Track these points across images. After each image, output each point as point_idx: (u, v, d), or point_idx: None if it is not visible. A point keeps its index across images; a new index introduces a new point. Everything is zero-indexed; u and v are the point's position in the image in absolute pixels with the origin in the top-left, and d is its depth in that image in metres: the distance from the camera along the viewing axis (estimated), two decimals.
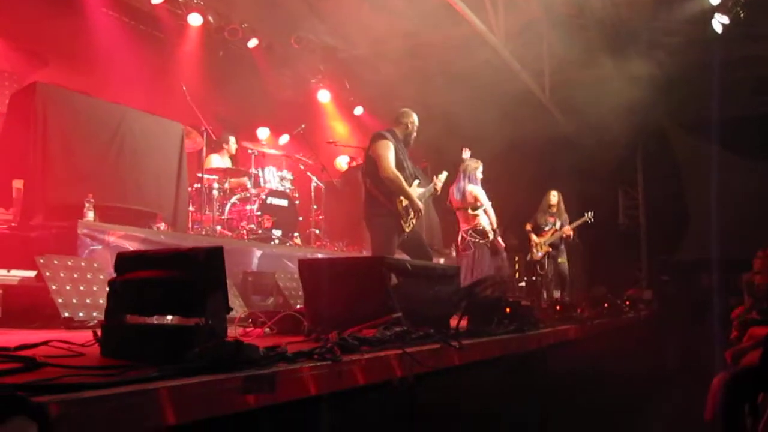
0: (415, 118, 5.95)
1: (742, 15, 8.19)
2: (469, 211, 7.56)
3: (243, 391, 1.89)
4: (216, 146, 8.35)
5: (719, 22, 8.31)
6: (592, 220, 9.38)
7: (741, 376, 1.56)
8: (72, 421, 1.41)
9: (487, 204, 7.59)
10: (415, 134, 5.94)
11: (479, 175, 7.71)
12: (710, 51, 9.53)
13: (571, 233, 9.38)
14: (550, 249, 9.37)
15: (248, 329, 3.59)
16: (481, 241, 7.46)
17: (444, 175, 6.55)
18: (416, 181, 5.83)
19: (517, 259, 10.49)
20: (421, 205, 5.70)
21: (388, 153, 5.53)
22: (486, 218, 7.57)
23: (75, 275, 4.40)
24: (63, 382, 1.54)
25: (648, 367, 8.20)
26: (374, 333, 2.94)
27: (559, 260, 9.35)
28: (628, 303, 9.15)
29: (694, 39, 9.49)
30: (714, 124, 10.27)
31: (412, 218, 5.69)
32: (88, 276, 4.50)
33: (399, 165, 5.56)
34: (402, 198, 5.56)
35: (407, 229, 5.65)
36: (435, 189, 6.27)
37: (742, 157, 11.04)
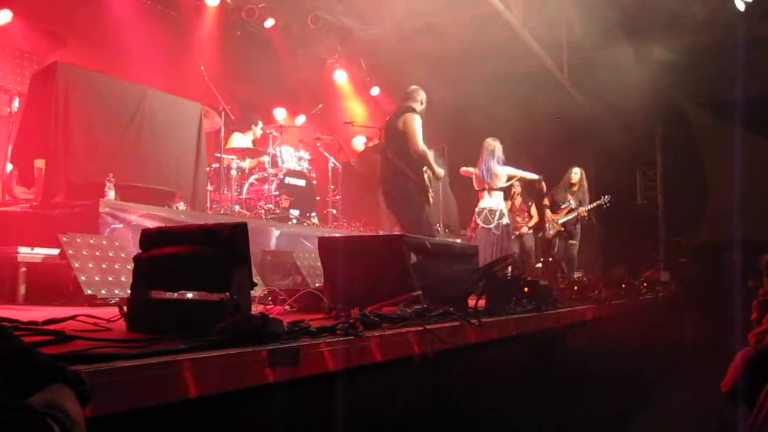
0: (424, 95, 6.17)
1: None
2: (498, 189, 7.77)
3: (268, 365, 1.93)
4: (242, 126, 8.40)
5: (742, 0, 8.18)
6: (608, 204, 9.28)
7: (765, 353, 1.56)
8: (105, 390, 1.44)
9: (520, 174, 8.08)
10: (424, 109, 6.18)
11: (498, 153, 7.88)
12: (732, 30, 9.38)
13: (586, 215, 9.30)
14: (563, 228, 9.30)
15: (269, 307, 3.63)
16: (495, 222, 7.58)
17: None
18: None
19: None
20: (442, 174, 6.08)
21: (419, 127, 5.83)
22: (501, 200, 7.81)
23: (97, 253, 4.46)
24: (96, 353, 1.58)
25: (666, 348, 8.20)
26: (395, 310, 2.96)
27: (570, 242, 9.31)
28: (645, 284, 9.12)
29: (715, 17, 9.34)
30: (736, 103, 10.12)
31: (431, 193, 6.03)
32: (110, 254, 4.56)
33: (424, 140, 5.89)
34: (427, 172, 5.88)
35: (432, 201, 6.02)
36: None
37: (762, 137, 10.90)
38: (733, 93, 9.99)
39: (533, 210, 9.85)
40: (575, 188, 9.38)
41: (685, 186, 12.23)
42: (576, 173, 9.33)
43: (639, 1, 9.43)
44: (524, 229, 9.71)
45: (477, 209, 7.80)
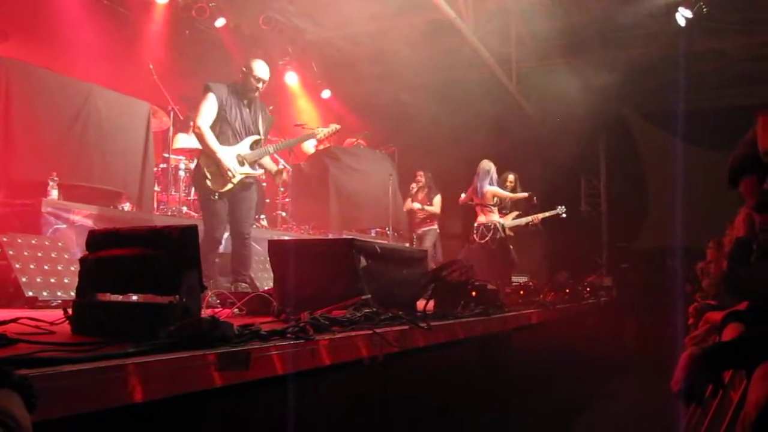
0: (254, 67, 5.42)
1: (704, 9, 8.38)
2: (490, 207, 8.47)
3: (218, 368, 1.92)
4: (184, 126, 8.26)
5: (683, 15, 8.49)
6: (564, 215, 9.38)
7: (710, 352, 1.63)
8: (52, 394, 1.42)
9: (510, 194, 8.73)
10: (255, 85, 5.43)
11: (495, 175, 8.56)
12: (673, 44, 9.73)
13: (539, 222, 9.41)
14: (511, 234, 9.37)
15: (217, 310, 3.60)
16: (490, 236, 8.33)
17: (331, 128, 6.41)
18: (252, 138, 5.46)
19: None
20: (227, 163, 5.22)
21: (207, 104, 5.21)
22: (497, 215, 8.56)
23: (39, 254, 4.35)
24: (41, 356, 1.55)
25: (608, 351, 8.43)
26: (344, 314, 2.98)
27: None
28: (588, 289, 9.33)
29: (658, 32, 9.67)
30: (676, 115, 10.49)
31: (230, 177, 5.26)
32: (53, 255, 4.45)
33: (221, 119, 5.25)
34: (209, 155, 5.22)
35: (219, 189, 5.23)
36: (271, 152, 5.74)
37: (701, 148, 11.30)
38: (673, 105, 10.35)
39: (436, 203, 9.81)
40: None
41: (627, 194, 12.58)
42: (511, 180, 9.42)
43: (585, 14, 9.69)
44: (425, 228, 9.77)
45: (474, 225, 8.57)
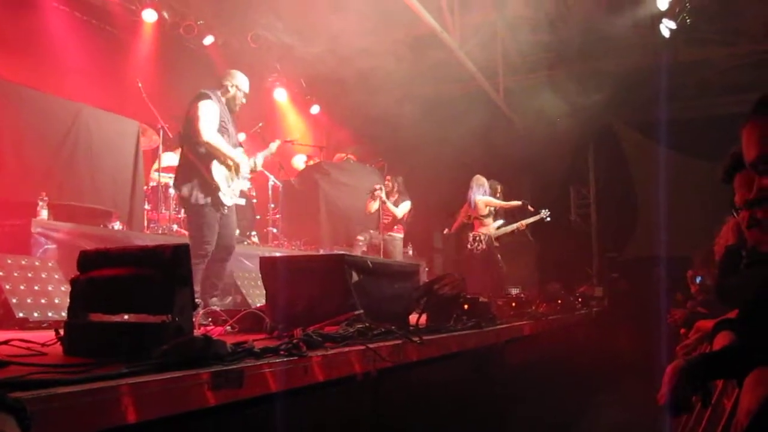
0: (240, 81, 5.39)
1: (688, 21, 8.48)
2: (482, 218, 8.71)
3: (211, 387, 1.92)
4: (174, 144, 8.26)
5: (667, 27, 8.59)
6: (548, 218, 9.37)
7: (695, 363, 1.65)
8: (45, 417, 1.42)
9: (502, 202, 8.88)
10: (241, 100, 5.42)
11: (488, 188, 8.81)
12: (658, 54, 9.84)
13: (524, 227, 9.39)
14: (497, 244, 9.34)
15: (209, 328, 3.59)
16: (483, 246, 8.57)
17: (275, 144, 6.23)
18: (239, 150, 5.40)
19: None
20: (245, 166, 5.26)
21: (208, 113, 5.06)
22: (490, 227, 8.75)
23: (29, 274, 4.33)
24: (33, 378, 1.55)
25: (600, 361, 8.44)
26: (337, 329, 2.98)
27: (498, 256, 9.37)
28: (580, 299, 9.37)
29: (643, 43, 9.78)
30: (663, 125, 10.59)
31: (232, 189, 5.23)
32: (43, 275, 4.43)
33: (222, 128, 5.16)
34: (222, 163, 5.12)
35: (227, 202, 5.18)
36: (255, 164, 5.64)
37: (689, 157, 11.40)
38: (660, 114, 10.45)
39: (401, 208, 9.08)
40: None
41: (616, 203, 12.65)
42: (499, 190, 9.44)
43: (571, 27, 9.78)
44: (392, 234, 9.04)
45: (470, 236, 8.74)
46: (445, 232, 9.37)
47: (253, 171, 5.69)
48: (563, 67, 10.85)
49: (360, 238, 8.67)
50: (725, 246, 3.00)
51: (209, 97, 5.13)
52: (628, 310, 10.50)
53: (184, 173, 5.23)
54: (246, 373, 2.04)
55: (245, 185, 5.52)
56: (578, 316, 8.54)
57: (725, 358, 1.67)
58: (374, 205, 8.73)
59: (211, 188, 5.07)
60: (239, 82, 5.38)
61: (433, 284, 4.38)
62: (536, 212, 9.29)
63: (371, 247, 8.74)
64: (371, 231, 8.67)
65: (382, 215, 8.75)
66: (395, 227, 8.94)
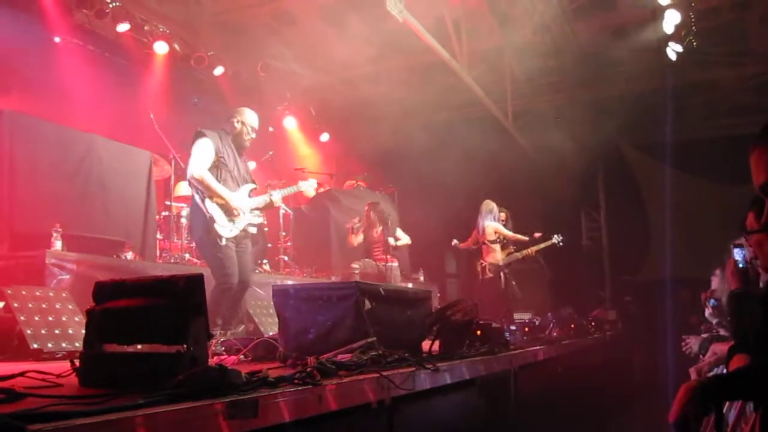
0: (248, 117, 5.40)
1: (694, 44, 8.51)
2: (490, 244, 8.71)
3: (227, 417, 1.92)
4: (186, 174, 8.31)
5: (673, 50, 8.62)
6: (561, 243, 9.26)
7: (708, 384, 1.64)
8: None
9: (510, 233, 8.86)
10: (250, 135, 5.41)
11: (497, 213, 8.86)
12: (665, 77, 9.87)
13: (533, 254, 9.30)
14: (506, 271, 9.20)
15: (222, 357, 3.60)
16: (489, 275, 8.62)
17: (306, 184, 6.13)
18: (249, 186, 5.37)
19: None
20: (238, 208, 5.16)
21: (202, 151, 5.07)
22: (499, 254, 8.77)
23: (43, 305, 4.35)
24: (51, 410, 1.56)
25: (615, 385, 8.35)
26: (350, 357, 2.98)
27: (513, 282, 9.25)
28: (593, 324, 9.29)
29: (650, 66, 9.82)
30: (671, 147, 10.60)
31: (237, 218, 5.18)
32: (57, 306, 4.45)
33: (220, 164, 5.13)
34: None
35: (225, 234, 5.08)
36: (271, 201, 5.56)
37: (698, 178, 11.38)
38: (669, 136, 10.46)
39: (405, 237, 8.79)
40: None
41: (628, 226, 12.60)
42: (503, 218, 9.34)
43: (578, 51, 9.85)
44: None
45: (479, 263, 8.82)
46: (453, 243, 9.28)
47: (269, 206, 5.64)
48: (571, 91, 10.90)
49: (355, 266, 8.54)
50: (729, 292, 2.97)
51: (204, 135, 5.15)
52: (642, 334, 10.40)
53: (191, 214, 5.39)
54: (261, 402, 2.04)
55: (257, 220, 5.49)
56: (592, 341, 8.47)
57: (739, 380, 1.66)
58: (357, 239, 8.55)
59: (206, 220, 5.05)
60: (246, 118, 5.39)
61: (445, 310, 4.37)
62: (548, 238, 9.22)
63: (365, 275, 8.44)
64: (365, 260, 8.58)
65: (385, 246, 8.55)
66: (388, 257, 8.65)
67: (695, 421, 1.55)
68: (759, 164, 1.35)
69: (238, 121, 5.35)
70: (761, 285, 2.78)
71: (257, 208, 5.45)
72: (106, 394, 1.88)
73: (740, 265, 2.87)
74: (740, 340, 2.89)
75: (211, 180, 5.05)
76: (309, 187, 6.21)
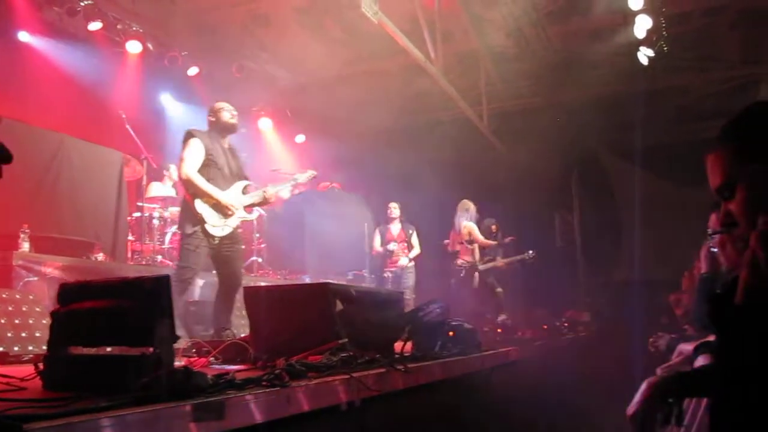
0: (218, 105, 5.37)
1: (665, 48, 8.63)
2: (465, 244, 8.78)
3: (193, 419, 1.90)
4: (158, 174, 8.24)
5: (645, 54, 8.73)
6: (532, 259, 9.32)
7: (669, 380, 1.66)
8: None
9: (480, 237, 8.85)
10: (231, 121, 5.34)
11: (474, 213, 8.89)
12: (637, 81, 10.00)
13: (503, 266, 9.39)
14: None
15: (193, 359, 3.57)
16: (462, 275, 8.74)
17: (303, 175, 6.03)
18: (243, 183, 5.36)
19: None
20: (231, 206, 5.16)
21: (191, 151, 5.08)
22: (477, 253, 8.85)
23: (10, 308, 4.28)
24: (11, 414, 1.53)
25: (588, 386, 8.42)
26: (321, 359, 2.97)
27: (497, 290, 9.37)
28: (566, 324, 9.37)
29: (623, 70, 9.93)
30: (644, 150, 10.73)
31: (224, 221, 5.16)
32: (24, 309, 4.38)
33: (210, 163, 5.14)
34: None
35: (218, 233, 5.11)
36: (265, 197, 5.52)
37: (669, 181, 11.53)
38: (641, 140, 10.59)
39: (414, 239, 9.18)
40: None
41: (601, 228, 12.72)
42: (494, 229, 9.50)
43: (552, 55, 9.93)
44: (403, 261, 9.00)
45: (456, 263, 8.86)
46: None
47: (264, 202, 5.61)
48: (546, 94, 10.99)
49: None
50: (699, 274, 3.03)
51: (193, 136, 5.17)
52: (615, 334, 10.51)
53: (181, 209, 5.37)
54: (227, 404, 2.02)
55: (248, 216, 5.49)
56: (565, 341, 8.53)
57: (701, 377, 1.69)
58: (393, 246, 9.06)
59: (196, 220, 5.06)
60: (219, 108, 5.37)
61: (417, 311, 4.37)
62: (522, 252, 9.35)
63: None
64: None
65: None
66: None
67: (652, 416, 1.57)
68: (714, 168, 1.38)
69: (212, 114, 5.35)
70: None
71: (253, 204, 5.45)
72: (69, 397, 1.85)
73: (713, 250, 2.91)
74: (699, 321, 2.94)
75: (199, 180, 5.07)
76: (306, 178, 6.09)
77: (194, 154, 5.11)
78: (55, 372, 2.28)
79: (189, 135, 5.19)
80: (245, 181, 5.40)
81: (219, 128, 5.34)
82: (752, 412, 1.01)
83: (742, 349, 1.04)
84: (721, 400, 1.08)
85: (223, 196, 5.13)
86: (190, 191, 5.10)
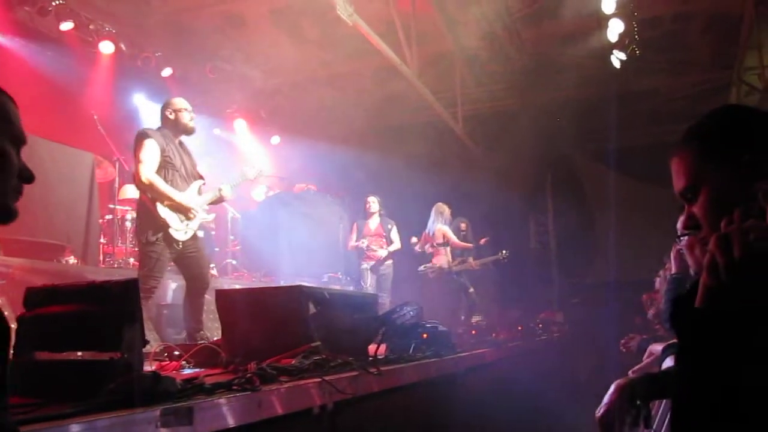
0: (174, 102, 5.21)
1: (637, 52, 8.74)
2: (438, 247, 8.92)
3: (161, 425, 1.89)
4: (131, 176, 8.15)
5: (617, 58, 8.83)
6: (506, 259, 9.42)
7: (638, 382, 1.68)
8: None
9: (455, 239, 9.00)
10: (186, 118, 5.19)
11: (449, 217, 9.01)
12: (610, 84, 10.12)
13: (476, 266, 9.45)
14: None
15: (164, 363, 3.53)
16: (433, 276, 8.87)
17: (251, 171, 5.95)
18: (197, 183, 5.27)
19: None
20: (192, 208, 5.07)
21: (147, 152, 4.92)
22: (447, 256, 8.96)
23: None
24: None
25: (562, 386, 8.49)
26: (293, 362, 2.96)
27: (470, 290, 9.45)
28: (541, 326, 9.44)
29: (596, 73, 10.04)
30: (617, 152, 10.87)
31: (186, 224, 5.06)
32: None
33: (166, 164, 5.01)
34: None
35: (181, 238, 5.00)
36: (221, 195, 5.44)
37: (642, 183, 11.67)
38: (614, 142, 10.72)
39: (394, 233, 9.08)
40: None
41: (575, 230, 12.84)
42: (463, 228, 9.57)
43: (526, 58, 10.00)
44: (381, 253, 8.90)
45: (428, 265, 9.01)
46: (412, 241, 9.40)
47: (219, 201, 5.55)
48: (520, 96, 11.08)
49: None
50: (669, 275, 3.08)
51: (147, 136, 5.00)
52: (588, 335, 10.61)
53: (138, 214, 5.23)
54: (196, 409, 2.01)
55: (207, 217, 5.41)
56: (539, 342, 8.59)
57: (665, 380, 1.71)
58: (372, 245, 8.99)
59: (159, 225, 4.95)
60: (180, 108, 5.20)
61: (391, 314, 4.37)
62: (495, 252, 9.43)
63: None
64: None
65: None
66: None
67: (620, 418, 1.59)
68: (678, 171, 1.39)
69: (170, 112, 5.17)
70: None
71: (211, 203, 5.39)
72: (35, 403, 1.83)
73: (683, 251, 2.95)
74: (667, 321, 2.97)
75: (160, 183, 4.93)
76: (252, 172, 5.99)
77: (151, 155, 4.95)
78: (20, 378, 2.24)
79: (143, 135, 5.01)
80: (200, 180, 5.30)
81: (175, 128, 5.18)
82: (709, 417, 1.03)
83: (700, 353, 1.06)
84: (680, 403, 1.09)
85: (184, 198, 5.02)
86: (150, 195, 4.95)
